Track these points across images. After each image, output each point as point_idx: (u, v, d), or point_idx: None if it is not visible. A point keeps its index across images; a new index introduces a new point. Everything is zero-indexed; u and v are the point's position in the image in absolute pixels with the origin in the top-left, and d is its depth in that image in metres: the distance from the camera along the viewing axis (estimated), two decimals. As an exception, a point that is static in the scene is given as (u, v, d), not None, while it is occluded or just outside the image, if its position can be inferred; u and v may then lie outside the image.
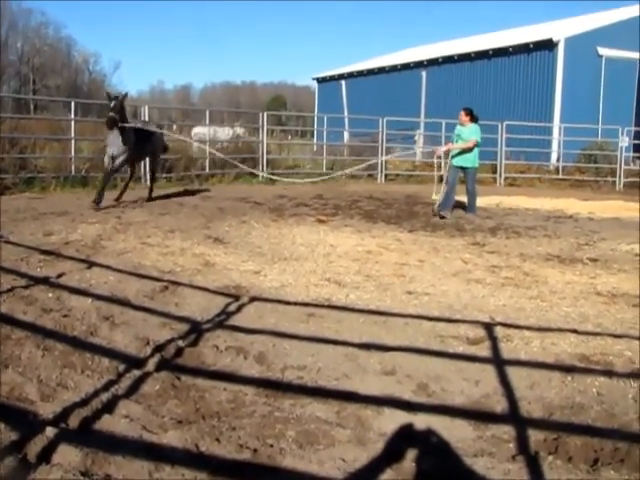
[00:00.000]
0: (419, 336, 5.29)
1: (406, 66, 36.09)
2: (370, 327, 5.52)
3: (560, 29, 30.17)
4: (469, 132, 12.40)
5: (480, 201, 14.55)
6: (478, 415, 3.89)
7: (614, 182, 22.11)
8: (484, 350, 5.03)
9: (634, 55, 28.78)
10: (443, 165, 12.98)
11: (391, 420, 3.76)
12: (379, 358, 4.72)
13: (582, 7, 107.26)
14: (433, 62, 34.44)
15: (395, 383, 4.33)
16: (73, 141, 16.50)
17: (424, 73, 35.07)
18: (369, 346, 4.98)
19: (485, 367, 4.67)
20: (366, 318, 5.75)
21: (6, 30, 59.65)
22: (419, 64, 35.43)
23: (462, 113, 12.67)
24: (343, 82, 38.88)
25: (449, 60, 33.35)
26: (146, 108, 18.53)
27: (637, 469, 3.29)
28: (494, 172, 21.77)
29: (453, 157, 12.43)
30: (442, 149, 13.15)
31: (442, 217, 11.97)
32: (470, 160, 12.40)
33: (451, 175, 12.43)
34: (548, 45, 28.01)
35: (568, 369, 4.62)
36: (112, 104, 11.41)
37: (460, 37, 42.10)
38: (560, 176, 22.67)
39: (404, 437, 3.56)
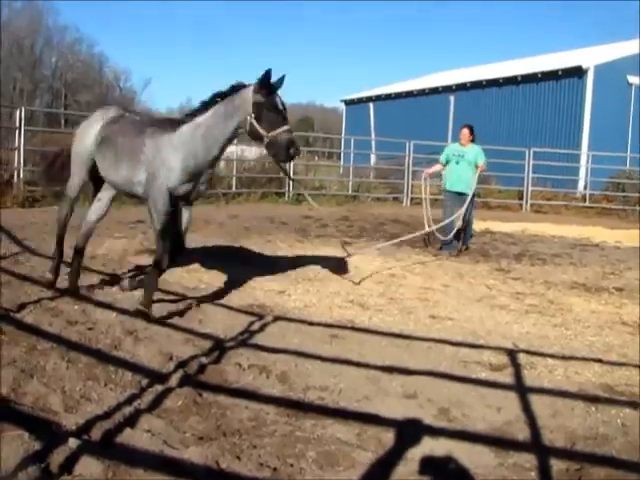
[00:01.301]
0: (442, 360, 5.28)
1: (434, 90, 36.16)
2: (393, 350, 5.52)
3: (590, 56, 30.10)
4: (475, 154, 11.07)
5: (506, 227, 14.53)
6: (500, 442, 3.86)
7: (642, 211, 21.89)
8: (507, 377, 5.01)
9: (664, 83, 28.65)
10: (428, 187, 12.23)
11: (412, 444, 3.74)
12: (401, 381, 4.72)
13: (611, 35, 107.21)
14: (461, 87, 34.47)
15: (417, 407, 4.32)
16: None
17: (452, 98, 35.08)
18: (391, 369, 4.97)
19: (507, 394, 4.64)
20: (389, 341, 5.75)
21: (41, 46, 60.66)
22: (447, 88, 35.47)
23: (466, 132, 11.27)
24: (371, 105, 39.03)
25: (477, 85, 33.36)
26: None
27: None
28: (520, 198, 21.65)
29: (449, 182, 11.28)
30: (430, 170, 12.13)
31: (457, 254, 10.74)
32: (469, 185, 10.97)
33: (448, 202, 11.26)
34: (577, 72, 27.94)
35: (592, 399, 4.59)
36: None
37: (488, 63, 42.19)
38: (587, 204, 22.50)
39: (425, 461, 3.55)
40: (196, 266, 8.27)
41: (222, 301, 6.77)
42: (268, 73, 5.69)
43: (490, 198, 21.61)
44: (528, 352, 5.56)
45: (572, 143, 26.65)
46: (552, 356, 5.50)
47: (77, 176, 6.65)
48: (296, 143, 5.77)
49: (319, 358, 5.12)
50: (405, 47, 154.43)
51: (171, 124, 6.16)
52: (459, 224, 10.65)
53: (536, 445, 3.87)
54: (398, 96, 38.26)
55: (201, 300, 6.67)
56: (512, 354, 5.47)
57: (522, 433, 4.01)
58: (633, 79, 28.00)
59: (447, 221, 10.76)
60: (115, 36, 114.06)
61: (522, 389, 4.72)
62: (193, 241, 9.94)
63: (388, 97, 38.87)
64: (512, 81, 31.45)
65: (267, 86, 5.72)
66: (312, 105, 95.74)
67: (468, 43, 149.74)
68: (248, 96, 5.78)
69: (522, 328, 6.41)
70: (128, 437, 3.54)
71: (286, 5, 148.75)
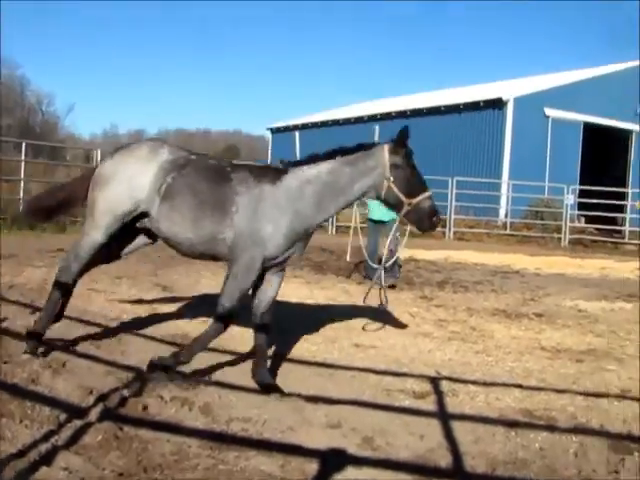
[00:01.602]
0: (365, 389, 5.31)
1: (359, 119, 36.68)
2: (316, 379, 5.51)
3: (509, 89, 31.11)
4: None
5: (429, 255, 14.77)
6: (422, 469, 3.89)
7: (559, 238, 22.64)
8: (430, 404, 5.06)
9: (579, 117, 29.81)
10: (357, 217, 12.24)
11: (335, 474, 3.73)
12: (325, 411, 4.70)
13: (531, 67, 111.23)
14: (386, 116, 35.06)
15: (340, 436, 4.31)
16: (22, 182, 16.28)
17: (377, 127, 35.63)
18: (315, 399, 4.95)
19: (430, 421, 4.69)
20: (312, 370, 5.74)
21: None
22: (372, 117, 36.03)
23: None
24: (297, 133, 39.25)
25: (402, 115, 33.97)
26: (98, 152, 18.43)
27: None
28: (443, 226, 22.10)
29: (373, 210, 10.71)
30: None
31: (392, 286, 9.99)
32: (387, 213, 10.08)
33: (371, 233, 10.82)
34: (498, 104, 28.81)
35: (512, 424, 4.67)
36: None
37: (412, 93, 43.14)
38: (508, 232, 23.14)
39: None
40: (118, 296, 8.11)
41: (145, 331, 6.64)
42: (405, 131, 5.18)
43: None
44: (450, 379, 5.64)
45: (493, 172, 27.41)
46: (474, 382, 5.59)
47: (102, 231, 5.25)
48: (439, 211, 5.39)
49: (243, 389, 5.07)
50: (334, 77, 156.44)
51: (267, 173, 5.23)
52: (386, 253, 10.40)
53: (458, 471, 3.92)
54: (324, 124, 38.69)
55: (124, 330, 6.54)
56: (435, 381, 5.54)
57: (444, 460, 4.05)
58: (550, 111, 29.02)
59: (369, 252, 10.59)
60: (38, 59, 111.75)
61: (444, 416, 4.78)
62: (114, 270, 9.77)
63: (314, 125, 39.24)
64: (435, 111, 32.20)
65: (404, 146, 5.19)
66: (239, 132, 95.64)
67: (393, 72, 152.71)
68: (384, 157, 5.17)
69: (445, 355, 6.51)
70: (44, 476, 3.41)
71: (211, 32, 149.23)
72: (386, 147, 5.21)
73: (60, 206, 5.71)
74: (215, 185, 5.14)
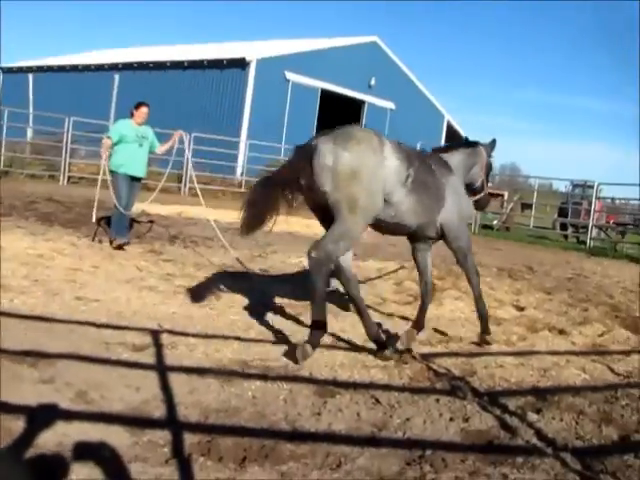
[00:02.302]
0: (84, 343, 5.17)
1: (100, 67, 35.18)
2: (33, 334, 5.26)
3: (253, 50, 31.51)
4: (152, 135, 10.22)
5: (163, 210, 14.63)
6: (136, 421, 3.90)
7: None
8: (149, 357, 5.07)
9: (317, 83, 31.10)
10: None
11: (45, 431, 3.60)
12: (38, 366, 4.52)
13: (275, 31, 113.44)
14: (128, 66, 33.97)
15: (53, 391, 4.18)
16: None
17: (117, 76, 34.38)
18: (28, 354, 4.74)
19: (148, 374, 4.70)
20: (29, 324, 5.47)
21: None
22: (113, 67, 34.72)
23: (146, 110, 10.11)
24: (31, 76, 36.66)
25: (144, 66, 33.12)
26: None
27: (281, 463, 3.54)
28: (180, 182, 21.97)
29: (127, 164, 9.77)
30: (106, 150, 9.73)
31: (121, 247, 9.54)
32: (144, 168, 10.17)
33: (121, 187, 9.78)
34: (241, 64, 29.09)
35: (228, 374, 4.84)
36: None
37: (157, 45, 42.13)
38: (243, 190, 23.60)
39: (58, 445, 3.45)
40: None
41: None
42: (495, 142, 7.05)
43: (150, 180, 21.58)
44: (172, 332, 5.69)
45: (232, 131, 27.71)
46: (195, 335, 5.69)
47: (364, 223, 5.46)
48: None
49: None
50: (76, 20, 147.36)
51: (444, 163, 6.34)
52: (131, 210, 10.06)
53: (171, 421, 3.99)
54: (62, 69, 36.58)
55: None
56: (155, 334, 5.55)
57: (158, 411, 4.10)
58: (290, 75, 29.91)
59: (119, 207, 9.67)
60: None
61: (162, 368, 4.82)
62: None
63: (50, 69, 36.93)
64: (179, 66, 31.78)
65: (492, 152, 7.03)
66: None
67: (139, 22, 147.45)
68: (483, 156, 6.84)
69: (169, 309, 6.54)
70: None
71: None
72: (483, 149, 6.84)
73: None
74: (435, 177, 5.94)
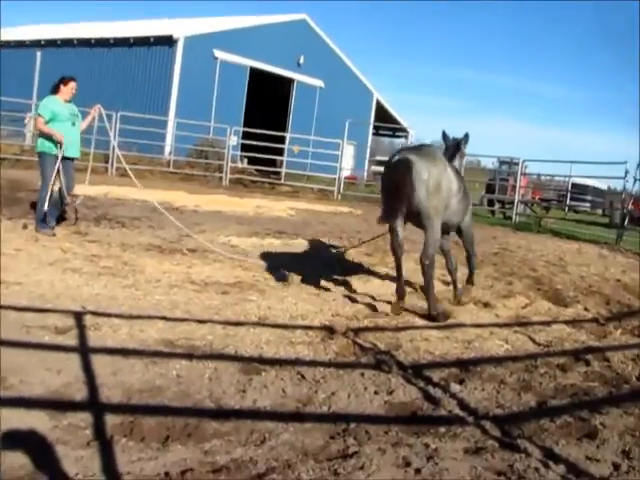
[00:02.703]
0: (3, 328, 5.02)
1: (21, 44, 34.11)
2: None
3: (181, 27, 31.06)
4: (78, 113, 9.63)
5: (90, 190, 14.29)
6: (56, 404, 3.82)
7: (221, 178, 23.36)
8: (71, 339, 4.96)
9: (246, 62, 30.85)
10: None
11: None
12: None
13: (203, 8, 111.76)
14: (51, 43, 33.05)
15: (-34, 379, 4.06)
16: None
17: (39, 53, 33.45)
18: None
19: (70, 356, 4.61)
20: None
21: None
22: (35, 43, 33.73)
23: (74, 85, 9.48)
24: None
25: (68, 43, 32.26)
26: None
27: (204, 440, 3.53)
28: (106, 162, 21.49)
29: (54, 143, 9.15)
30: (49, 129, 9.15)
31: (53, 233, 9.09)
32: (79, 148, 9.73)
33: (50, 169, 9.21)
34: (168, 41, 28.64)
35: (152, 354, 4.79)
36: None
37: (81, 21, 41.03)
38: (171, 169, 23.29)
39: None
40: None
41: None
42: (468, 136, 7.93)
43: (76, 160, 21.11)
44: (95, 313, 5.57)
45: (160, 110, 27.30)
46: (119, 316, 5.60)
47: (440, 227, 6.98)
48: None
49: None
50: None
51: (457, 171, 7.57)
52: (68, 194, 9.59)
53: (93, 404, 3.92)
54: (-22, 46, 35.27)
55: None
56: (79, 316, 5.44)
57: (80, 393, 4.02)
58: (219, 53, 29.58)
59: (47, 191, 9.20)
60: None
61: (85, 350, 4.74)
62: None
63: (-33, 46, 35.56)
64: (105, 43, 31.09)
65: (466, 145, 8.02)
66: None
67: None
68: (464, 152, 8.03)
69: (93, 290, 6.41)
70: None
71: None
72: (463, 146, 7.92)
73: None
74: (463, 185, 7.36)
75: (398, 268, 6.93)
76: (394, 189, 6.54)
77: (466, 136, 7.95)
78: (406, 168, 6.48)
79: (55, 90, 9.39)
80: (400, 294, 6.90)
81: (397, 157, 6.81)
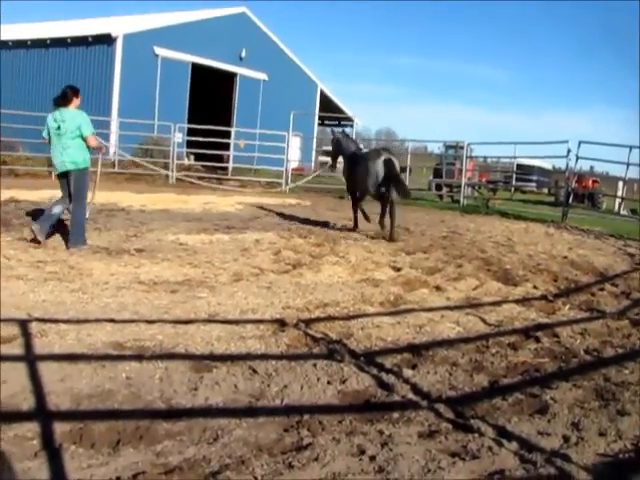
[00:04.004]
0: (-57, 340, 4.89)
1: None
2: None
3: (119, 25, 30.62)
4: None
5: (33, 195, 14.05)
6: (1, 416, 3.72)
7: (167, 176, 23.11)
8: (16, 348, 4.84)
9: (188, 57, 30.55)
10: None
11: None
12: None
13: (142, 6, 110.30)
14: (-19, 46, 32.26)
15: None
16: None
17: (-30, 58, 32.62)
18: None
19: (16, 365, 4.49)
20: None
21: None
22: (-34, 46, 32.85)
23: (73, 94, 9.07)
24: None
25: (3, 45, 31.52)
26: None
27: (156, 442, 3.48)
28: (49, 166, 20.98)
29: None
30: None
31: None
32: (84, 159, 8.98)
33: (62, 189, 9.14)
34: (107, 40, 28.22)
35: (100, 358, 4.70)
36: None
37: (16, 22, 40.10)
38: (117, 170, 22.95)
39: None
40: None
41: None
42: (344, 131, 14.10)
43: (17, 166, 20.70)
44: (41, 320, 5.45)
45: (102, 110, 26.86)
46: (66, 321, 5.48)
47: None
48: None
49: None
50: None
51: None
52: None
53: (40, 413, 3.83)
54: None
55: None
56: (24, 324, 5.31)
57: (27, 403, 3.93)
58: (160, 50, 29.27)
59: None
60: None
61: (31, 358, 4.63)
62: None
63: None
64: (41, 44, 30.49)
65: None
66: None
67: None
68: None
69: (39, 297, 6.27)
70: None
71: None
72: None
73: None
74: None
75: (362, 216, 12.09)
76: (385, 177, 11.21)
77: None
78: (393, 164, 11.29)
79: (68, 101, 9.01)
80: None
81: (384, 157, 11.26)
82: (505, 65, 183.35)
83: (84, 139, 8.89)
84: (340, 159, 13.16)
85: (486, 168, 31.67)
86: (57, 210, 9.10)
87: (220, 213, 14.42)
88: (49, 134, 8.98)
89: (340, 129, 15.14)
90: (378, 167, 11.09)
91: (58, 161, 8.90)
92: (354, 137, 23.08)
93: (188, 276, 7.60)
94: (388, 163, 11.05)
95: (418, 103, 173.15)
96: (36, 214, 9.72)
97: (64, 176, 8.99)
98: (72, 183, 8.89)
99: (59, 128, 8.82)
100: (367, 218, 12.11)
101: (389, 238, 11.07)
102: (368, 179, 11.22)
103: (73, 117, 8.88)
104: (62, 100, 8.95)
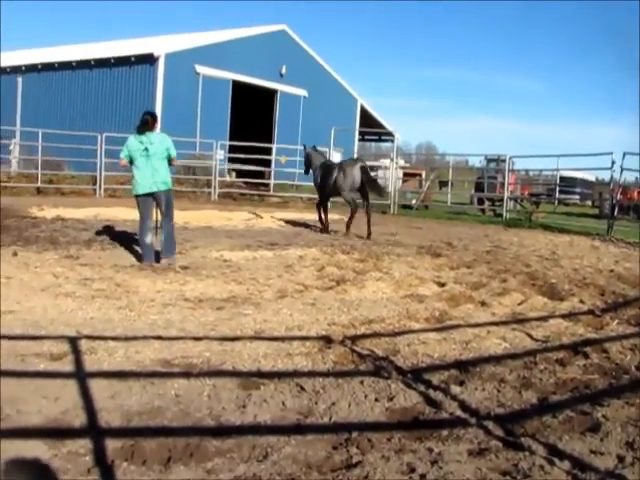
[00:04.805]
0: (-2, 357, 4.99)
1: (1, 71, 33.99)
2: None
3: (161, 45, 31.08)
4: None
5: (78, 213, 14.29)
6: (55, 432, 3.78)
7: (210, 193, 23.33)
8: (67, 365, 4.93)
9: (228, 75, 30.88)
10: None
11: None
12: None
13: (182, 26, 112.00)
14: (31, 68, 32.98)
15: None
16: None
17: (20, 79, 33.38)
18: None
19: (67, 382, 4.57)
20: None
21: None
22: (16, 69, 33.62)
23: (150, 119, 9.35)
24: None
25: (49, 67, 32.22)
26: None
27: (206, 460, 3.50)
28: (94, 184, 21.45)
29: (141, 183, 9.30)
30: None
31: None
32: (170, 179, 9.54)
33: (143, 208, 9.47)
34: (149, 59, 28.64)
35: (149, 375, 4.75)
36: None
37: (61, 44, 41.02)
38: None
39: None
40: None
41: None
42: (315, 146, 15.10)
43: (63, 184, 21.09)
44: (90, 337, 5.53)
45: (145, 128, 27.18)
46: (114, 339, 5.56)
47: None
48: None
49: None
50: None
51: None
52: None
53: (92, 429, 3.88)
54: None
55: None
56: (73, 341, 5.40)
57: (79, 419, 3.98)
58: (200, 69, 29.60)
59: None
60: None
61: (81, 375, 4.70)
62: None
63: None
64: (85, 65, 31.06)
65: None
66: None
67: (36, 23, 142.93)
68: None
69: (87, 314, 6.37)
70: None
71: None
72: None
73: None
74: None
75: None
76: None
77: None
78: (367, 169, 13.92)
79: (151, 126, 9.31)
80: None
81: (360, 164, 13.93)
82: (541, 76, 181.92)
83: (169, 160, 9.35)
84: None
85: (528, 181, 31.34)
86: (149, 240, 9.39)
87: (262, 229, 14.52)
88: (130, 156, 9.30)
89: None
90: (355, 172, 13.54)
91: (149, 182, 9.23)
92: (395, 152, 23.16)
93: (233, 293, 7.65)
94: (363, 169, 13.72)
95: (455, 116, 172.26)
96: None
97: (149, 195, 9.33)
98: (163, 201, 9.37)
99: (146, 150, 9.15)
100: (326, 227, 14.62)
101: (367, 236, 13.10)
102: (345, 182, 13.60)
103: (162, 140, 9.32)
104: (145, 127, 9.22)
